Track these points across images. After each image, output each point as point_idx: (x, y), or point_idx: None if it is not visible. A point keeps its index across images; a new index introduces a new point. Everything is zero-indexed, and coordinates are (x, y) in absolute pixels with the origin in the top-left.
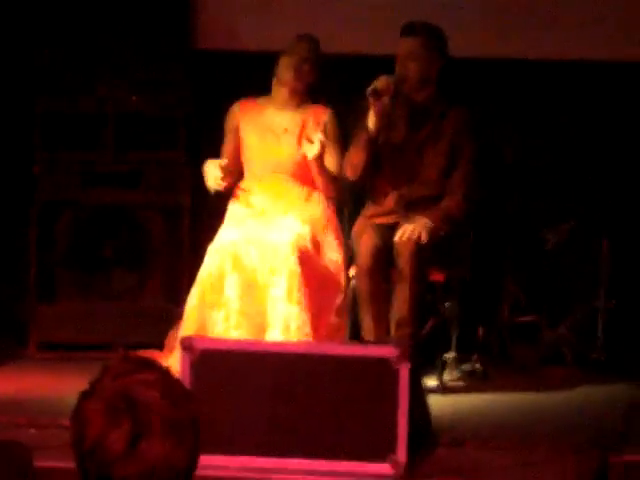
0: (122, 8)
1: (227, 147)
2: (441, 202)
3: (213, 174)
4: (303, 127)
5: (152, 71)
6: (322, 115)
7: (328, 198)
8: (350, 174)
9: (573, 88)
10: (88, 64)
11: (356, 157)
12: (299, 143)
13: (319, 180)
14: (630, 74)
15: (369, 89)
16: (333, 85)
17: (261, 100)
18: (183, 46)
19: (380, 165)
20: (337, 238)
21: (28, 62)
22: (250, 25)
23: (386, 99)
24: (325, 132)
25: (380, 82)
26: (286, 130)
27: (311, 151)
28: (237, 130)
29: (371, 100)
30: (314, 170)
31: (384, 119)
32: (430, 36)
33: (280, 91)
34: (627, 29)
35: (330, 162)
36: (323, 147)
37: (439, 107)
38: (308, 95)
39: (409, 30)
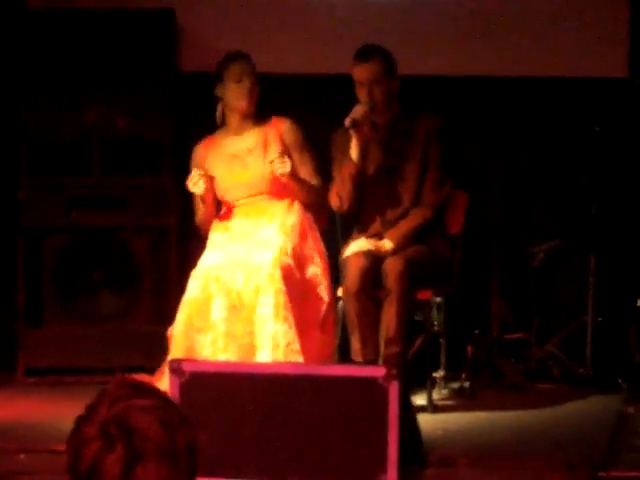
0: (108, 33)
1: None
2: (409, 214)
3: (191, 176)
4: (265, 142)
5: (137, 95)
6: (280, 126)
7: (307, 208)
8: (336, 206)
9: (558, 105)
10: (73, 89)
11: (342, 189)
12: (264, 160)
13: (299, 194)
14: (616, 90)
15: (348, 121)
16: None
17: (218, 134)
18: (168, 71)
19: (362, 193)
20: (317, 247)
21: (14, 87)
22: (236, 47)
23: (365, 128)
24: (286, 143)
25: (357, 112)
26: (250, 150)
27: (281, 169)
28: (205, 170)
29: (352, 131)
30: (292, 186)
31: (366, 147)
32: (386, 58)
33: (234, 117)
34: (609, 45)
35: (303, 170)
36: (289, 164)
37: (403, 123)
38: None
39: (367, 55)
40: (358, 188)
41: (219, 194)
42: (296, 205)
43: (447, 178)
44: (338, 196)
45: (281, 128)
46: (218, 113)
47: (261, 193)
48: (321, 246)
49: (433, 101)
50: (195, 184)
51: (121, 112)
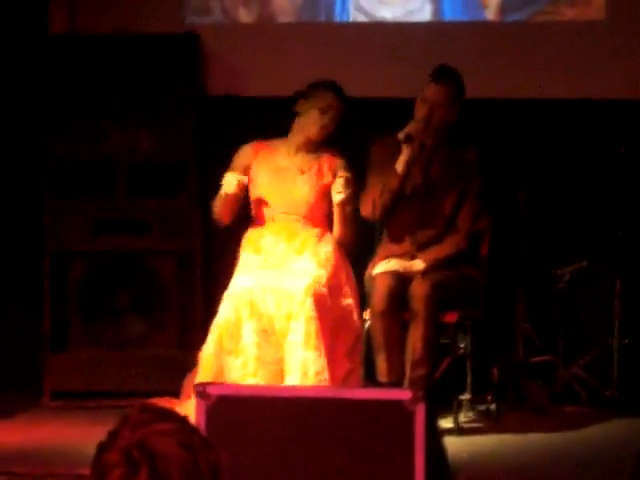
0: (132, 56)
1: None
2: (444, 241)
3: (228, 179)
4: (319, 171)
5: (162, 118)
6: (334, 163)
7: (339, 243)
8: (368, 213)
9: (584, 126)
10: (98, 112)
11: (380, 197)
12: (314, 186)
13: (339, 227)
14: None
15: (402, 134)
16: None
17: (274, 142)
18: (192, 94)
19: (396, 209)
20: (350, 280)
21: (39, 110)
22: (259, 71)
23: (416, 144)
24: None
25: (412, 127)
26: (302, 171)
27: (340, 195)
28: (247, 170)
29: (404, 145)
30: (338, 216)
31: (412, 164)
32: (459, 86)
33: (299, 136)
34: (633, 66)
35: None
36: (349, 192)
37: (448, 149)
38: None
39: (444, 78)
40: (395, 201)
41: (253, 200)
42: (329, 236)
43: (483, 212)
44: (373, 202)
45: (334, 165)
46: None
47: (297, 214)
48: (352, 278)
49: (460, 123)
50: (229, 184)
51: (145, 135)
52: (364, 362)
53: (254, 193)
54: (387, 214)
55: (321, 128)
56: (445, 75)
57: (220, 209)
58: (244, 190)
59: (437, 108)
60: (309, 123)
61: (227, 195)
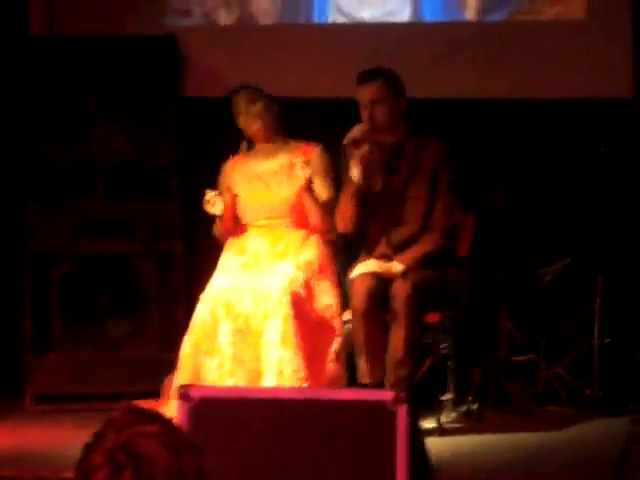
0: (112, 59)
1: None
2: (420, 239)
3: (206, 198)
4: (290, 167)
5: (142, 121)
6: (311, 153)
7: (325, 241)
8: (342, 228)
9: (564, 126)
10: (78, 115)
11: (346, 209)
12: (291, 186)
13: (312, 214)
14: (622, 110)
15: (348, 139)
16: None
17: (248, 154)
18: (172, 96)
19: (369, 213)
20: (332, 282)
21: (20, 112)
22: (237, 72)
23: (365, 147)
24: (312, 168)
25: (357, 131)
26: (275, 173)
27: (301, 173)
28: (229, 187)
29: (352, 150)
30: (307, 203)
31: (367, 166)
32: (388, 78)
33: (259, 143)
34: (614, 66)
35: (322, 193)
36: (308, 175)
37: (414, 144)
38: (284, 134)
39: (367, 77)
40: (361, 208)
41: (239, 213)
42: (313, 239)
43: (457, 204)
44: (342, 217)
45: (311, 154)
46: (242, 146)
47: (280, 217)
48: (337, 282)
49: (438, 123)
50: (213, 205)
51: (126, 138)
52: (346, 364)
53: (239, 205)
54: (360, 223)
55: (254, 121)
56: (368, 75)
57: (221, 231)
58: (233, 201)
59: (375, 106)
60: (245, 126)
61: (220, 216)
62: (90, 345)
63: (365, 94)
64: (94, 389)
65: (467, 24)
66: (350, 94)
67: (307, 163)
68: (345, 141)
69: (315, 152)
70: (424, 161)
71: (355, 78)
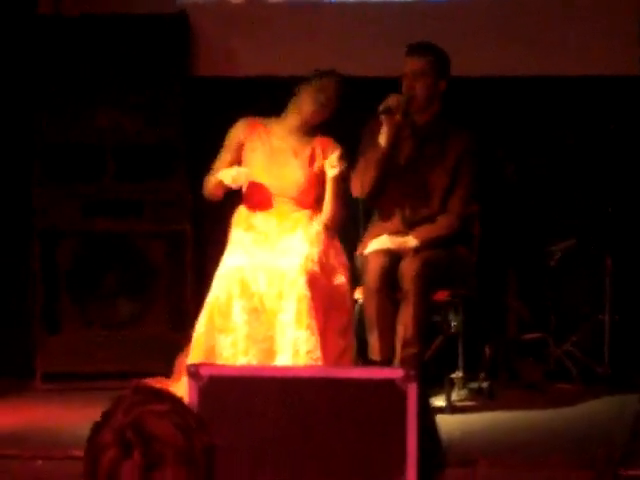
0: (121, 37)
1: (224, 160)
2: (436, 221)
3: (237, 176)
4: (312, 155)
5: (150, 99)
6: (330, 150)
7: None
8: (358, 192)
9: (575, 104)
10: (86, 94)
11: (366, 174)
12: (306, 170)
13: (332, 204)
14: (631, 88)
15: (381, 107)
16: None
17: (269, 121)
18: (181, 75)
19: (386, 185)
20: (340, 259)
21: (27, 94)
22: (248, 51)
23: (398, 117)
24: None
25: (392, 100)
26: (296, 153)
27: (334, 169)
28: (241, 147)
29: (383, 117)
30: (330, 193)
31: (396, 137)
32: (437, 57)
33: (294, 117)
34: (622, 43)
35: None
36: (343, 167)
37: (442, 128)
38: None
39: (416, 50)
40: (382, 177)
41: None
42: (318, 217)
43: (475, 197)
44: (360, 181)
45: (327, 149)
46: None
47: (288, 197)
48: (344, 258)
49: (447, 100)
50: (236, 180)
51: (134, 116)
52: (356, 340)
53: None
54: (376, 191)
55: (315, 109)
56: (417, 48)
57: (214, 193)
58: (239, 158)
59: (416, 79)
60: (305, 103)
61: (227, 186)
62: (99, 324)
63: (410, 65)
64: (103, 368)
65: (477, 2)
66: (361, 73)
67: (324, 157)
68: (380, 108)
69: (330, 148)
70: (450, 147)
71: (366, 56)
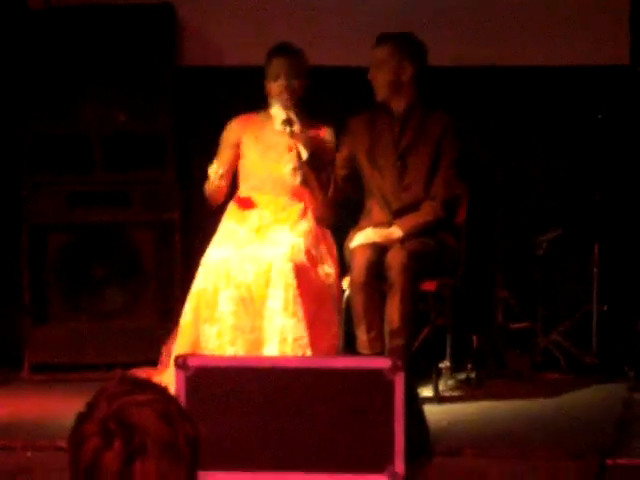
0: (107, 28)
1: (224, 158)
2: (420, 208)
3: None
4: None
5: (138, 90)
6: (326, 136)
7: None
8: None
9: (561, 93)
10: (73, 85)
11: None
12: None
13: (314, 202)
14: (618, 77)
15: (279, 125)
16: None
17: (260, 116)
18: (168, 65)
19: (367, 178)
20: (330, 251)
21: (14, 85)
22: (236, 41)
23: (297, 126)
24: (320, 147)
25: (279, 113)
26: (290, 149)
27: (292, 181)
28: (237, 145)
29: (288, 132)
30: (310, 190)
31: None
32: (398, 44)
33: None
34: (610, 33)
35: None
36: (299, 168)
37: (419, 113)
38: (303, 110)
39: (378, 40)
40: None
41: (241, 173)
42: (310, 213)
43: (461, 178)
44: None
45: (326, 138)
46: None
47: (283, 191)
48: (334, 250)
49: (434, 92)
50: (215, 173)
51: (121, 107)
52: (344, 334)
53: (243, 167)
54: (344, 193)
55: (282, 90)
56: (379, 38)
57: (215, 197)
58: (237, 158)
59: (376, 71)
60: (272, 91)
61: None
62: (87, 315)
63: (371, 55)
64: (91, 359)
65: None
66: (350, 62)
67: (321, 145)
68: (279, 126)
69: (328, 134)
70: (429, 131)
71: (356, 46)
